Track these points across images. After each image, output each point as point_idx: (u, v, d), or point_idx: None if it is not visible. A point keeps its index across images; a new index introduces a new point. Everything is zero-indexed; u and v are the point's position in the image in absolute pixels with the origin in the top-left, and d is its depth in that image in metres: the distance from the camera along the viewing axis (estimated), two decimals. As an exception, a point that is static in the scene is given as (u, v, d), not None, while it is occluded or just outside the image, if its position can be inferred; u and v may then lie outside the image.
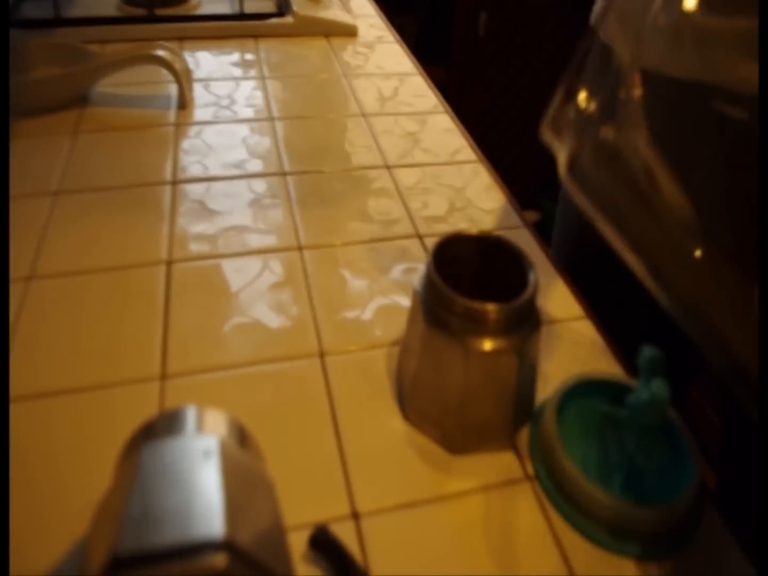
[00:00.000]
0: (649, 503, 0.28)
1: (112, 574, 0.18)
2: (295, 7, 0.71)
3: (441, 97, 0.62)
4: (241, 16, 0.68)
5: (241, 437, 0.25)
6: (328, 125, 0.56)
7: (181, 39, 0.67)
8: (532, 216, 1.60)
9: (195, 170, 0.49)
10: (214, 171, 0.49)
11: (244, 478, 0.22)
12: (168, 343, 0.36)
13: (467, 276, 0.33)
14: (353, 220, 0.46)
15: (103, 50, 0.60)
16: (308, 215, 0.46)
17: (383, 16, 0.82)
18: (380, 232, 0.45)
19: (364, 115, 0.58)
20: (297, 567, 0.26)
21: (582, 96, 0.32)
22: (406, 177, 0.51)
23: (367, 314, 0.39)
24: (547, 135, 0.35)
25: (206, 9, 0.71)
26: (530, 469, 0.31)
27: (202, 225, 0.44)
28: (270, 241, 0.43)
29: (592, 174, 0.32)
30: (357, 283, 0.41)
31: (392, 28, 0.78)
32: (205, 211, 0.45)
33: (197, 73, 0.62)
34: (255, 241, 0.43)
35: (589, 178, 0.32)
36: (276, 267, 0.41)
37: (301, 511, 0.28)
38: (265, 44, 0.69)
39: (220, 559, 0.18)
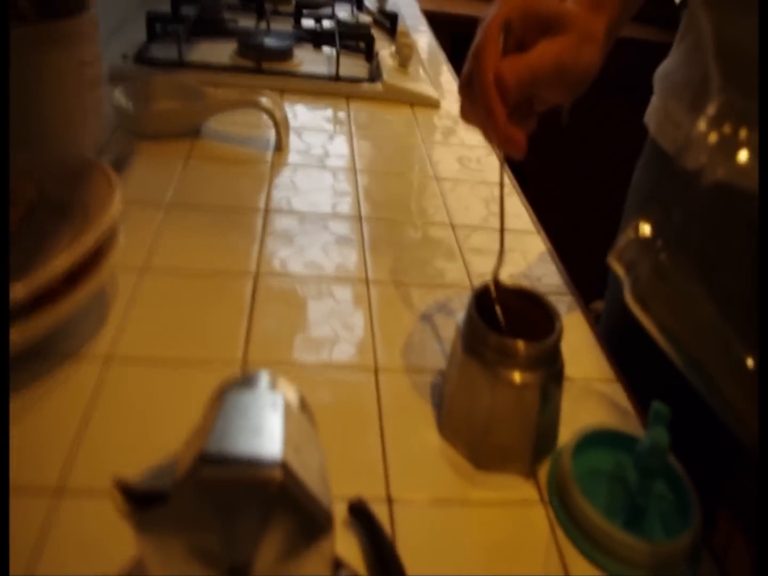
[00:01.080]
0: (649, 538, 0.33)
1: (198, 469, 0.25)
2: (385, 75, 0.82)
3: (513, 179, 0.70)
4: (337, 78, 0.80)
5: (302, 404, 0.31)
6: (403, 182, 0.65)
7: (282, 91, 0.78)
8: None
9: (283, 204, 0.58)
10: (299, 207, 0.58)
11: (299, 429, 0.29)
12: (250, 337, 0.43)
13: (503, 319, 0.39)
14: (416, 266, 0.54)
15: (215, 92, 0.71)
16: (377, 255, 0.54)
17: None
18: (438, 279, 0.52)
19: (437, 178, 0.67)
20: (336, 529, 0.32)
21: (646, 229, 0.39)
22: (468, 236, 0.59)
23: (417, 343, 0.46)
24: (614, 263, 0.41)
25: (306, 68, 0.83)
26: (545, 497, 0.37)
27: (285, 250, 0.53)
28: (342, 271, 0.51)
29: (652, 304, 0.37)
30: (411, 316, 0.48)
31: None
32: (288, 238, 0.54)
33: (293, 123, 0.72)
34: (329, 269, 0.51)
35: (649, 306, 0.37)
36: (345, 294, 0.49)
37: (344, 486, 0.34)
38: (355, 105, 0.80)
39: (277, 473, 0.25)
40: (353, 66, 0.86)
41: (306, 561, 0.26)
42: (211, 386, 0.32)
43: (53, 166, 0.47)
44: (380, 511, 0.34)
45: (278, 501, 0.25)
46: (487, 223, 0.61)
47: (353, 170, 0.65)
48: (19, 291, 0.37)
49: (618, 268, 0.39)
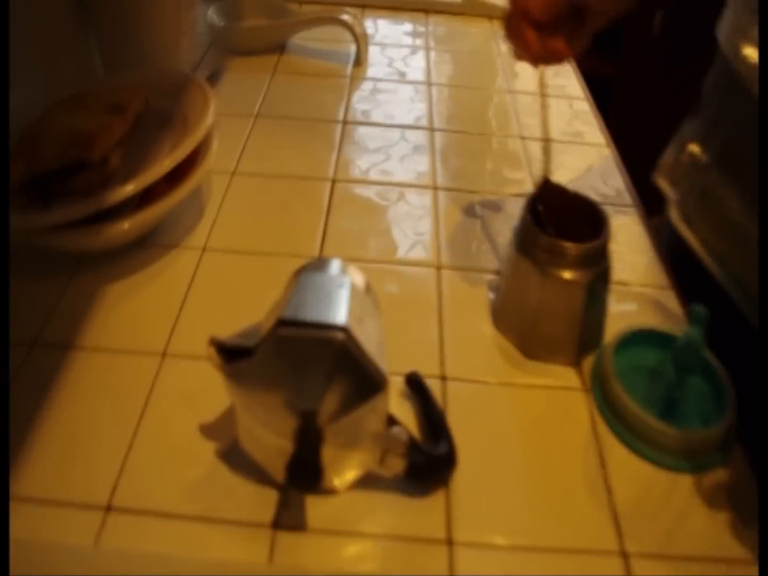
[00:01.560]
0: (681, 427, 0.36)
1: (276, 330, 0.30)
2: None
3: (589, 96, 0.69)
4: None
5: (367, 288, 0.36)
6: (475, 95, 0.66)
7: (363, 6, 0.80)
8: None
9: (361, 116, 0.61)
10: (376, 119, 0.61)
11: (362, 306, 0.33)
12: (327, 234, 0.48)
13: (556, 218, 0.41)
14: (483, 175, 0.56)
15: (300, 9, 0.73)
16: (447, 164, 0.56)
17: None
18: (503, 187, 0.54)
19: (512, 92, 0.67)
20: (394, 398, 0.37)
21: (695, 147, 0.38)
22: (538, 148, 0.60)
23: (478, 245, 0.49)
24: (660, 181, 0.41)
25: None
26: (588, 386, 0.40)
27: (361, 158, 0.56)
28: (413, 179, 0.54)
29: (696, 220, 0.37)
30: (475, 221, 0.51)
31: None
32: (364, 148, 0.57)
33: (373, 38, 0.74)
34: (402, 176, 0.54)
35: (693, 222, 0.37)
36: (413, 198, 0.52)
37: (403, 363, 0.39)
38: (434, 18, 0.80)
39: (340, 335, 0.29)
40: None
41: (363, 414, 0.31)
42: (290, 272, 0.37)
43: (157, 80, 0.53)
44: (434, 386, 0.38)
45: (340, 359, 0.30)
46: (561, 137, 0.61)
47: (428, 84, 0.67)
48: (129, 189, 0.43)
49: (665, 186, 0.40)
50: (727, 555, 0.32)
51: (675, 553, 0.32)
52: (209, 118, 0.48)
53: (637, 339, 0.40)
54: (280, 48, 0.70)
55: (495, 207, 0.52)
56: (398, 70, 0.69)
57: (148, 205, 0.45)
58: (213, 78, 0.61)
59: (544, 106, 0.43)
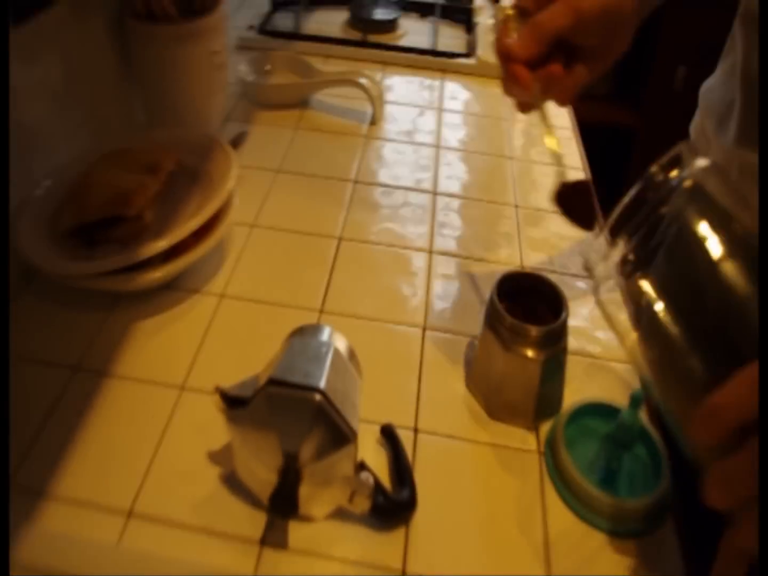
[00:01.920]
0: (615, 495, 0.41)
1: (266, 387, 0.36)
2: (480, 50, 0.87)
3: (585, 159, 0.75)
4: (433, 52, 0.86)
5: (350, 355, 0.42)
6: (479, 160, 0.72)
7: (383, 63, 0.87)
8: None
9: (370, 176, 0.68)
10: (384, 179, 0.68)
11: (343, 370, 0.40)
12: (329, 290, 0.55)
13: (522, 303, 0.47)
14: (478, 241, 0.62)
15: (323, 69, 0.80)
16: (445, 229, 0.63)
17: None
18: (492, 257, 0.60)
19: (510, 158, 0.73)
20: (371, 445, 0.44)
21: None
22: (528, 218, 0.66)
23: (464, 309, 0.55)
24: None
25: (410, 38, 0.91)
26: (541, 448, 0.45)
27: (367, 218, 0.63)
28: (411, 240, 0.61)
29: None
30: (464, 286, 0.57)
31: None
32: (371, 208, 0.64)
33: (390, 96, 0.81)
34: (400, 238, 0.61)
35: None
36: (411, 259, 0.59)
37: (381, 414, 0.45)
38: (450, 77, 0.87)
39: (318, 396, 0.36)
40: (453, 37, 0.92)
41: (335, 460, 0.38)
42: (293, 324, 0.44)
43: (188, 140, 0.60)
44: (406, 437, 0.45)
45: (317, 415, 0.37)
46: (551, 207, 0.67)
47: (437, 146, 0.73)
48: (162, 245, 0.50)
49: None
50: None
51: None
52: (231, 182, 0.56)
53: (589, 410, 0.46)
54: (303, 103, 0.77)
55: (486, 273, 0.59)
56: (409, 131, 0.76)
57: (176, 256, 0.52)
58: (238, 140, 0.68)
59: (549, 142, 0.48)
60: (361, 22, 0.89)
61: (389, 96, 0.81)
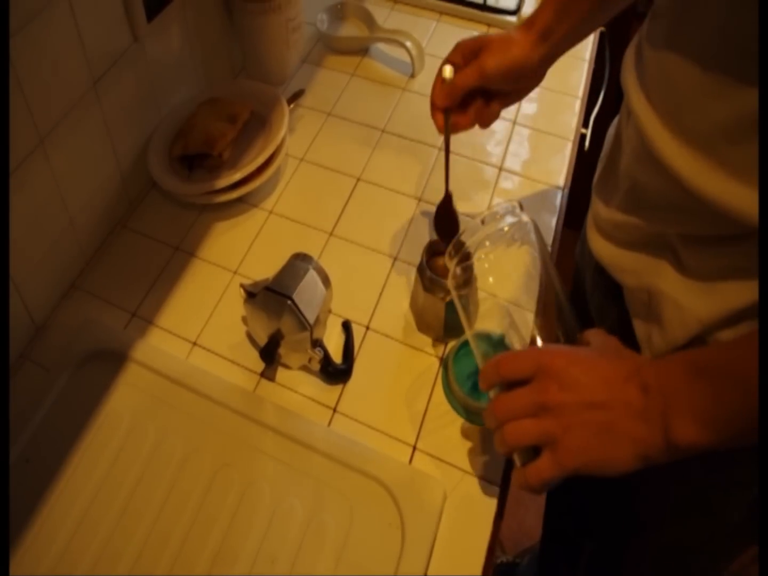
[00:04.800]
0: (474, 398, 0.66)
1: (264, 290, 0.64)
2: (525, 7, 0.97)
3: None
4: (483, 7, 0.99)
5: (324, 277, 0.69)
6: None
7: (441, 13, 1.01)
8: None
9: (397, 128, 0.89)
10: (403, 131, 0.88)
11: (313, 287, 0.66)
12: (340, 219, 0.80)
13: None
14: (459, 194, 0.83)
15: (392, 9, 0.96)
16: (438, 178, 0.84)
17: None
18: (462, 205, 0.82)
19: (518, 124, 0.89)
20: (335, 330, 0.72)
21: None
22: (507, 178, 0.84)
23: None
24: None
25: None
26: (443, 355, 0.71)
27: (382, 164, 0.85)
28: (408, 189, 0.83)
29: None
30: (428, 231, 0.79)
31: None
32: (387, 155, 0.86)
33: (437, 48, 0.98)
34: (400, 185, 0.83)
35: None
36: (405, 205, 0.82)
37: (348, 312, 0.72)
38: (494, 31, 0.99)
39: (289, 301, 0.63)
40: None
41: (300, 338, 0.66)
42: (311, 239, 0.72)
43: (260, 94, 0.84)
44: (359, 331, 0.72)
45: (288, 311, 0.64)
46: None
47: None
48: (236, 176, 0.77)
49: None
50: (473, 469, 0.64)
51: (448, 460, 0.64)
52: (283, 130, 0.80)
53: (480, 336, 0.70)
54: (364, 51, 0.97)
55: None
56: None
57: (244, 182, 0.79)
58: (295, 96, 0.90)
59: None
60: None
61: (435, 48, 0.97)
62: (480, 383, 0.55)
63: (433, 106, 0.65)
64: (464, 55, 0.64)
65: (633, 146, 0.60)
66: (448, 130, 0.66)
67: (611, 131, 0.70)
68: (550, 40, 0.64)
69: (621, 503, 0.79)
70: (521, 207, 0.59)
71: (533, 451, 0.50)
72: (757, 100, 0.45)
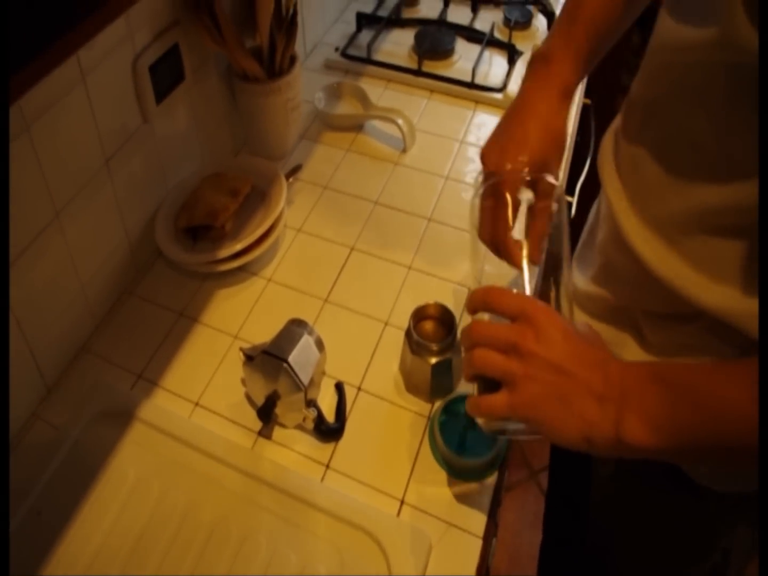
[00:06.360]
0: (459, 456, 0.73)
1: (262, 354, 0.73)
2: (512, 84, 1.11)
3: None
4: (470, 85, 1.12)
5: (317, 340, 0.77)
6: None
7: (431, 91, 1.15)
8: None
9: (389, 200, 1.00)
10: (396, 203, 0.99)
11: (307, 351, 0.75)
12: (334, 286, 0.89)
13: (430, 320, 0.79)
14: (448, 261, 0.92)
15: (386, 88, 1.09)
16: (430, 248, 0.94)
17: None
18: (444, 273, 0.91)
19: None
20: (329, 391, 0.80)
21: None
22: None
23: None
24: None
25: (460, 65, 1.16)
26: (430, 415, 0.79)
27: (375, 234, 0.95)
28: (399, 257, 0.93)
29: None
30: (420, 297, 0.89)
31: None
32: (380, 226, 0.97)
33: (428, 124, 1.10)
34: (391, 254, 0.93)
35: None
36: (396, 274, 0.91)
37: (340, 373, 0.81)
38: (481, 109, 1.13)
39: (285, 364, 0.72)
40: (500, 67, 1.17)
41: (294, 398, 0.74)
42: (307, 306, 0.82)
43: (260, 169, 0.96)
44: (351, 391, 0.80)
45: (284, 374, 0.73)
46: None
47: (444, 177, 1.03)
48: (238, 246, 0.87)
49: None
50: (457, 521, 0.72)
51: (434, 513, 0.72)
52: (281, 203, 0.91)
53: (464, 397, 0.78)
54: (359, 127, 1.09)
55: (445, 288, 0.90)
56: (431, 161, 1.05)
57: (245, 252, 0.89)
58: (293, 171, 1.02)
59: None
60: (421, 48, 1.16)
61: (426, 124, 1.10)
62: (467, 303, 0.59)
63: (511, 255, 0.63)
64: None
65: (608, 225, 0.69)
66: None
67: (594, 208, 0.80)
68: (570, 98, 0.69)
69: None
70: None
71: (492, 387, 0.55)
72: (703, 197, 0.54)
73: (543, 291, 0.60)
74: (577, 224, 0.88)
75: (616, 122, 0.71)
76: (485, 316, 0.59)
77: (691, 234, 0.57)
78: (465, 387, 0.79)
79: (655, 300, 0.63)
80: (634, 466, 0.70)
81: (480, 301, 0.57)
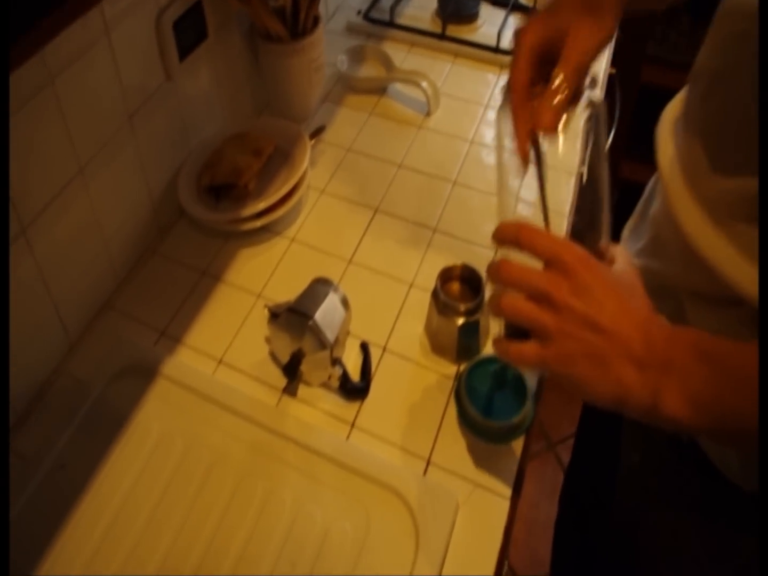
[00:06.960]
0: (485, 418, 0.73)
1: (288, 311, 0.72)
2: None
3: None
4: (496, 50, 1.11)
5: (343, 299, 0.77)
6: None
7: (455, 55, 1.13)
8: None
9: (413, 163, 0.99)
10: (420, 166, 0.98)
11: (332, 309, 0.75)
12: (358, 248, 0.89)
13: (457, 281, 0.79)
14: (470, 227, 0.92)
15: (409, 52, 1.08)
16: (451, 211, 0.93)
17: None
18: (473, 237, 0.91)
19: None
20: (354, 351, 0.79)
21: None
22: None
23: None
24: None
25: (485, 29, 1.15)
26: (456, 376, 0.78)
27: (398, 197, 0.95)
28: (423, 219, 0.92)
29: None
30: (442, 259, 0.88)
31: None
32: (404, 188, 0.96)
33: (452, 88, 1.09)
34: (416, 215, 0.93)
35: None
36: (421, 235, 0.91)
37: (366, 333, 0.80)
38: (505, 74, 1.10)
39: (311, 321, 0.71)
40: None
41: (320, 356, 0.74)
42: (330, 266, 0.81)
43: (283, 129, 0.95)
44: (377, 352, 0.80)
45: (309, 331, 0.72)
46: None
47: (468, 141, 1.02)
48: (261, 206, 0.87)
49: None
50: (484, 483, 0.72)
51: (461, 473, 0.72)
52: (305, 164, 0.90)
53: (492, 359, 0.77)
54: (382, 90, 1.08)
55: (469, 252, 0.89)
56: (452, 125, 1.04)
57: (268, 211, 0.89)
58: (316, 132, 1.01)
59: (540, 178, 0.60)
60: (446, 12, 1.14)
61: (450, 88, 1.08)
62: (495, 233, 0.54)
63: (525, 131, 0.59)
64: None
65: (661, 200, 0.67)
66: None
67: (652, 179, 0.78)
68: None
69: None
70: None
71: (521, 331, 0.52)
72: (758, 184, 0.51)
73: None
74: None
75: (683, 92, 0.69)
76: (512, 254, 0.55)
77: (737, 218, 0.55)
78: (491, 350, 0.78)
79: (699, 280, 0.61)
80: (662, 455, 0.70)
81: (512, 235, 0.53)
